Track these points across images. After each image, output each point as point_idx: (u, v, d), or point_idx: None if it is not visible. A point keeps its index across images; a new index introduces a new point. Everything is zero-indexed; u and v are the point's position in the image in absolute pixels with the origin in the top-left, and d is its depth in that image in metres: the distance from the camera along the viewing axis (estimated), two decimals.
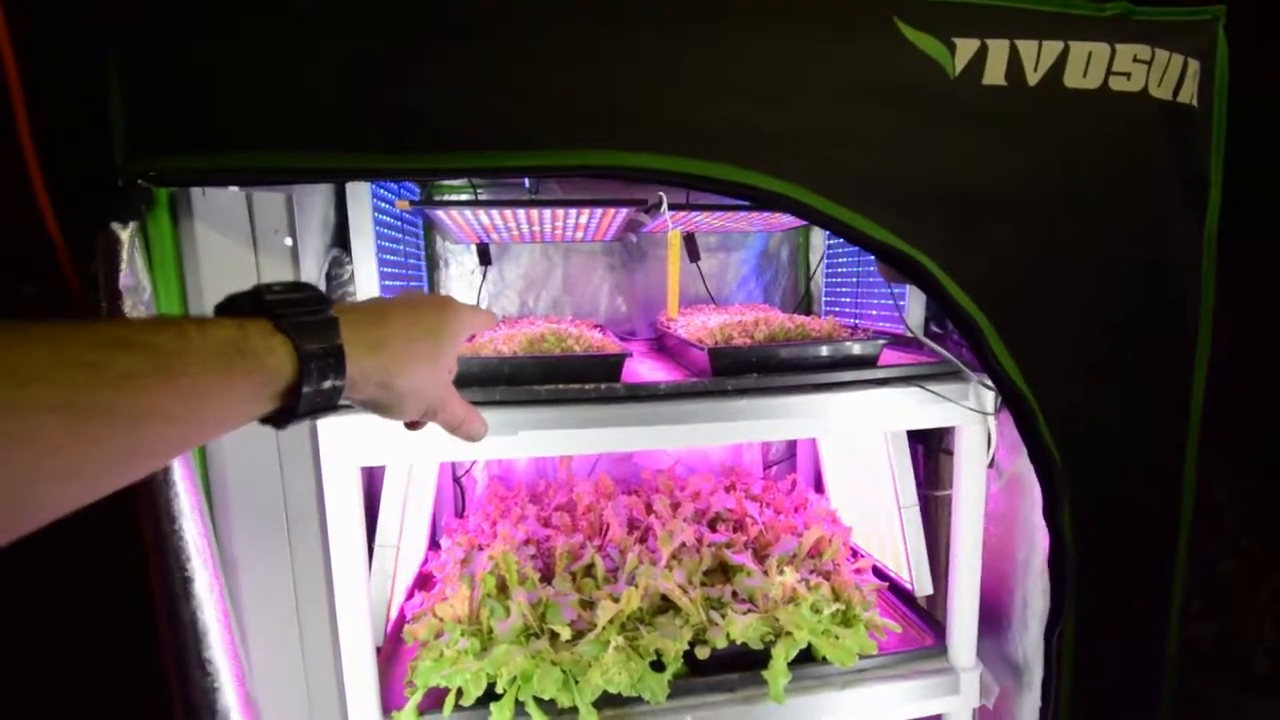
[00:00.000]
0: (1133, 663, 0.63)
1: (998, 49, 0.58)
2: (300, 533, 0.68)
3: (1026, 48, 0.59)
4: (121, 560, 0.45)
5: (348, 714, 0.81)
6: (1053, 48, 0.60)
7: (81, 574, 0.47)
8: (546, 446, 0.84)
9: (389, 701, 0.89)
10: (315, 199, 0.94)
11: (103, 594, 0.48)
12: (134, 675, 0.48)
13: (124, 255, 0.47)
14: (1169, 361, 0.64)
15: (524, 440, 0.84)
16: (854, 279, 1.39)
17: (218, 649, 0.49)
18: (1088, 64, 0.60)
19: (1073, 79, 0.61)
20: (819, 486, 1.55)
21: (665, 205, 0.94)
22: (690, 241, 1.40)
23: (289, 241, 0.62)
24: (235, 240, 0.59)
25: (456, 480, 1.56)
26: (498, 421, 0.82)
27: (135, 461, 0.33)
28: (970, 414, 0.94)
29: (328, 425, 0.75)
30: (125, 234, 0.47)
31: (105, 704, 0.47)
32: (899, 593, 1.19)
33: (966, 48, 0.58)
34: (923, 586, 1.15)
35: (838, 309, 1.49)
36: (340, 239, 1.07)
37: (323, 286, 1.05)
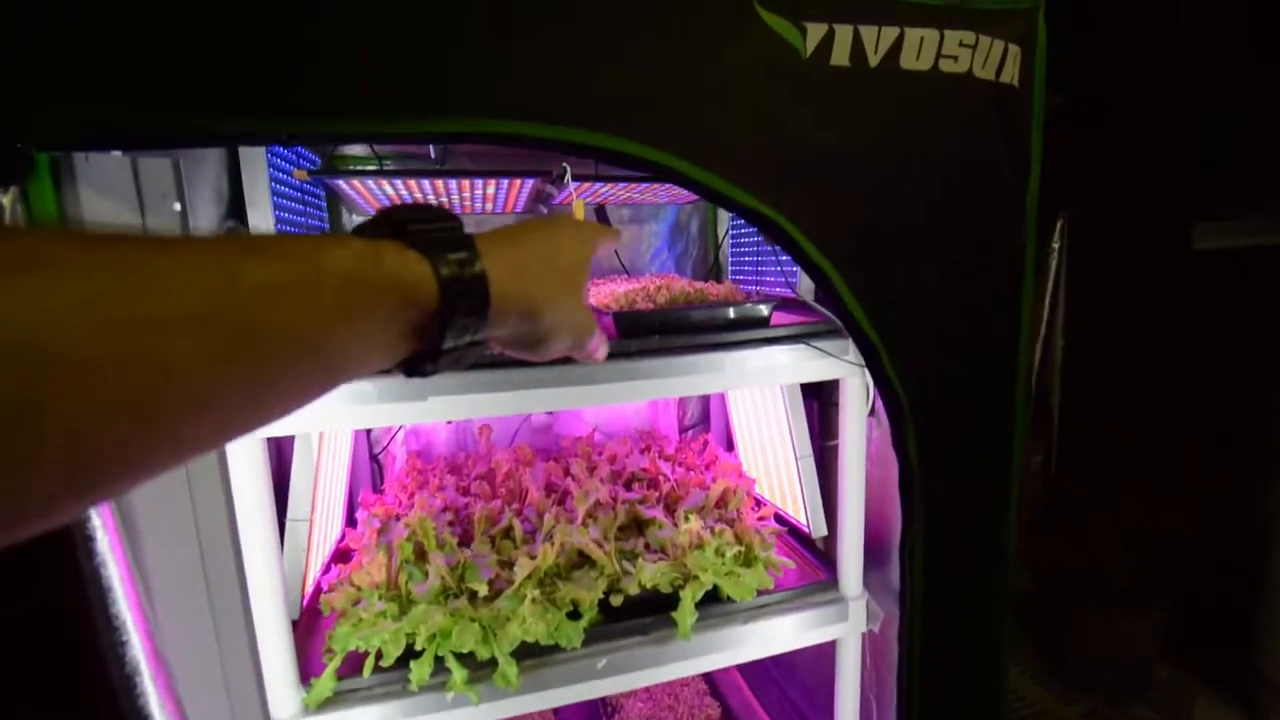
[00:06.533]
0: (975, 566, 0.74)
1: (843, 33, 0.66)
2: (204, 501, 0.68)
3: (868, 32, 0.67)
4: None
5: (264, 682, 0.82)
6: (890, 33, 0.68)
7: None
8: (456, 411, 0.87)
9: (308, 670, 0.90)
10: (206, 168, 0.91)
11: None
12: (36, 631, 0.48)
13: (5, 220, 0.46)
14: (997, 305, 0.75)
15: (434, 405, 0.86)
16: (755, 249, 1.48)
17: (123, 605, 0.50)
18: (920, 48, 0.69)
19: (908, 61, 0.69)
20: (730, 446, 1.65)
21: (569, 175, 0.98)
22: (601, 214, 1.44)
23: (178, 207, 0.61)
24: (121, 206, 0.57)
25: (374, 457, 1.55)
26: (407, 387, 0.84)
27: (271, 398, 0.27)
28: (851, 367, 1.04)
29: None
30: (5, 200, 0.46)
31: (6, 660, 0.47)
32: (797, 535, 1.31)
33: (816, 31, 0.65)
34: (819, 529, 1.27)
35: (742, 277, 1.58)
36: (235, 211, 1.03)
37: None
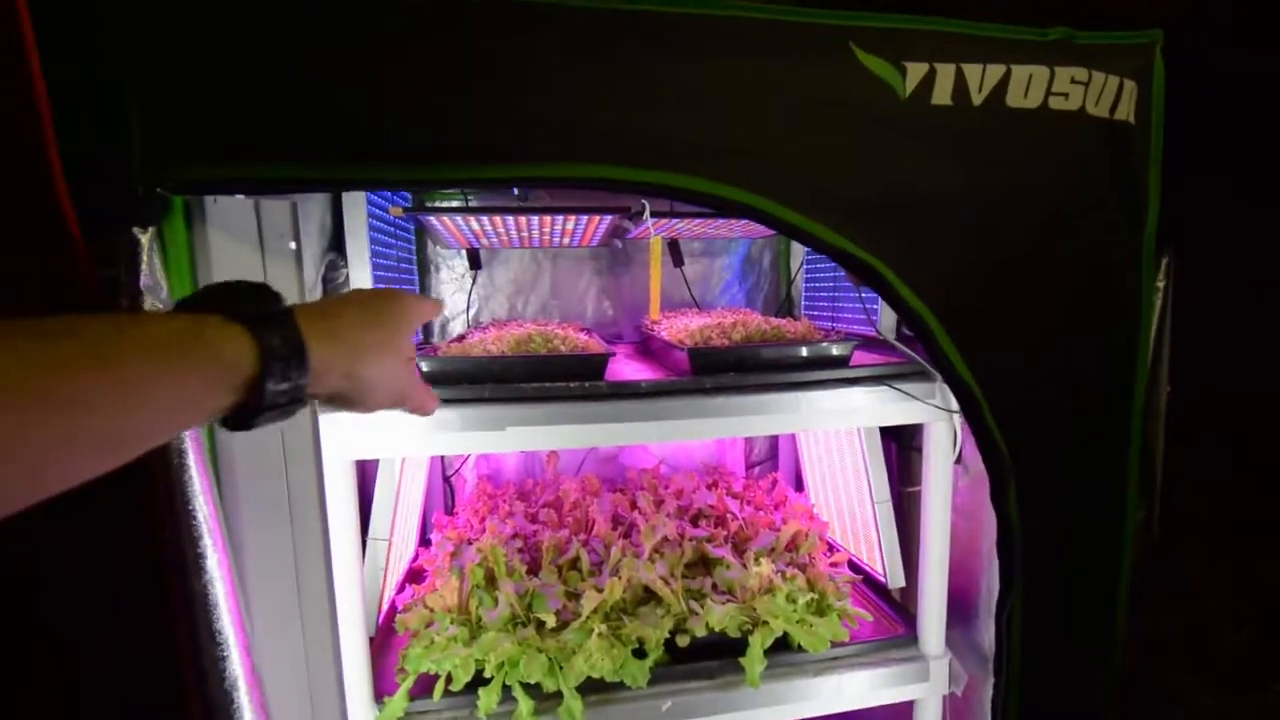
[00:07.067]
0: (1079, 640, 0.68)
1: (945, 72, 0.64)
2: (302, 521, 0.71)
3: (971, 71, 0.65)
4: (136, 534, 0.48)
5: (344, 696, 0.84)
6: (996, 70, 0.66)
7: (96, 546, 0.50)
8: (534, 442, 0.88)
9: (381, 688, 0.92)
10: (313, 206, 0.98)
11: (116, 565, 0.51)
12: (145, 642, 0.51)
13: (144, 257, 0.51)
14: (1110, 356, 0.69)
15: (512, 435, 0.88)
16: (831, 284, 1.45)
17: (226, 621, 0.53)
18: (1028, 85, 0.66)
19: (1014, 99, 0.67)
20: (799, 485, 1.60)
21: (648, 212, 0.99)
22: (674, 248, 1.45)
23: (293, 245, 0.66)
24: (243, 244, 0.63)
25: (446, 479, 1.60)
26: (487, 417, 0.87)
27: (77, 451, 0.32)
28: (937, 412, 0.99)
29: (324, 418, 0.79)
30: (145, 237, 0.51)
31: (117, 669, 0.51)
32: (873, 585, 1.24)
33: (916, 71, 0.64)
34: (896, 579, 1.20)
35: (816, 313, 1.54)
36: (336, 243, 1.11)
37: (319, 289, 1.09)
